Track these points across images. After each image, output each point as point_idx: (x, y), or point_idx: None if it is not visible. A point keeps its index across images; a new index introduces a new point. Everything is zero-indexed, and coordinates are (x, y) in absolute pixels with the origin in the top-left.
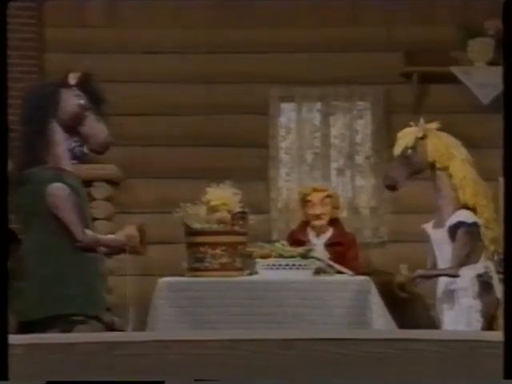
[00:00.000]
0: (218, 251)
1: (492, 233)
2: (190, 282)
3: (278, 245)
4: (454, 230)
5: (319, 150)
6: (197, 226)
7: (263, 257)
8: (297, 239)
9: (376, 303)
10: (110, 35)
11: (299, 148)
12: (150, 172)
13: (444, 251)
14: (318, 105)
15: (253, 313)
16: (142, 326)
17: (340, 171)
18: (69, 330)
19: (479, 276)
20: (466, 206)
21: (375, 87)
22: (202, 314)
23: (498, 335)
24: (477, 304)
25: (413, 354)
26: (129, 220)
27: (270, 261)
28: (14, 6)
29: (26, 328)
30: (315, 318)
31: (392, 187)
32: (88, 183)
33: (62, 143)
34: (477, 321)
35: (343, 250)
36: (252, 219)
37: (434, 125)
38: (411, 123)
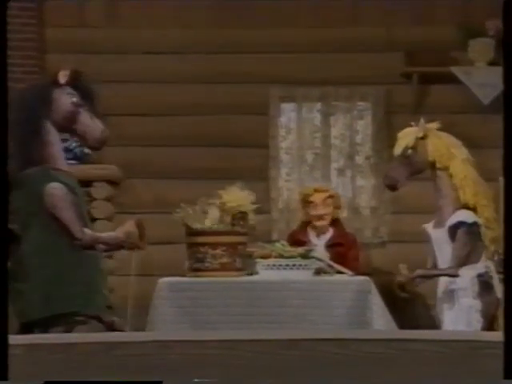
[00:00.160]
0: (218, 251)
1: (492, 233)
2: (191, 282)
3: (278, 245)
4: (454, 230)
5: (319, 150)
6: (197, 226)
7: (263, 257)
8: (297, 239)
9: (376, 303)
10: (111, 35)
11: (299, 148)
12: (150, 172)
13: (444, 251)
14: (319, 105)
15: (253, 313)
16: (142, 326)
17: (340, 171)
18: (69, 330)
19: (479, 276)
20: (466, 206)
21: (376, 87)
22: (202, 314)
23: (498, 335)
24: (477, 304)
25: (413, 354)
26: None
27: (271, 261)
28: (14, 6)
29: (27, 328)
30: (315, 318)
31: (392, 187)
32: (88, 183)
33: (56, 143)
34: (477, 321)
35: (344, 251)
36: (252, 219)
37: (434, 125)
38: (412, 123)
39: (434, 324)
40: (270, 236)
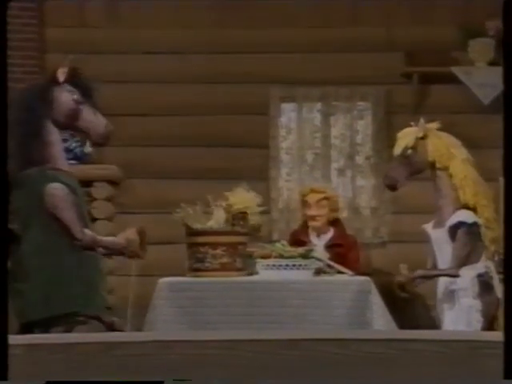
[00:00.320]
0: (218, 251)
1: (492, 233)
2: (191, 282)
3: (278, 245)
4: (454, 230)
5: (320, 150)
6: (197, 226)
7: (264, 257)
8: (298, 239)
9: (376, 303)
10: (111, 35)
11: (300, 148)
12: (150, 172)
13: (444, 251)
14: (319, 105)
15: (253, 313)
16: (142, 326)
17: (340, 171)
18: (69, 330)
19: (479, 276)
20: (466, 206)
21: (376, 87)
22: (202, 314)
23: (498, 335)
24: (477, 304)
25: (413, 354)
26: (130, 220)
27: (271, 261)
28: (14, 6)
29: (27, 329)
30: (316, 318)
31: (392, 187)
32: (88, 183)
33: (57, 143)
34: (477, 321)
35: (343, 252)
36: (258, 221)
37: (434, 125)
38: (412, 123)
39: (434, 324)
40: (270, 236)
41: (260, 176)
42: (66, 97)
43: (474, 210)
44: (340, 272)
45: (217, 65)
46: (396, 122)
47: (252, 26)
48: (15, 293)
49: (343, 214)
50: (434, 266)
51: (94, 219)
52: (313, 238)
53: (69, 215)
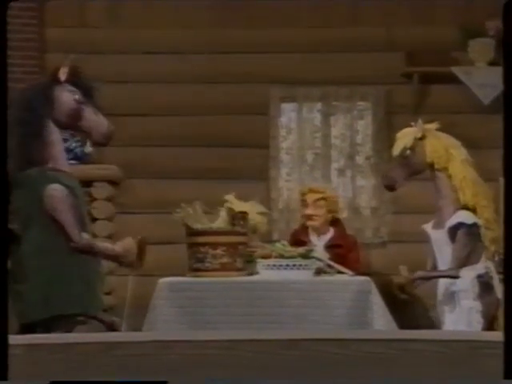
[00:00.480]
0: (218, 251)
1: (492, 233)
2: (191, 282)
3: (278, 245)
4: (453, 231)
5: (320, 150)
6: (197, 226)
7: (264, 257)
8: (298, 239)
9: (377, 303)
10: (111, 35)
11: (300, 148)
12: (150, 172)
13: (444, 252)
14: (319, 105)
15: (253, 313)
16: (141, 326)
17: (340, 171)
18: (70, 330)
19: (479, 277)
20: (465, 207)
21: (376, 87)
22: (202, 314)
23: (498, 335)
24: (477, 305)
25: (413, 354)
26: (130, 220)
27: (271, 261)
28: (15, 6)
29: (27, 330)
30: (316, 318)
31: (390, 187)
32: (89, 183)
33: (58, 143)
34: (477, 322)
35: (343, 252)
36: (253, 219)
37: (433, 125)
38: (412, 123)
39: (435, 325)
40: (270, 236)
41: (260, 176)
42: (67, 96)
43: (473, 210)
44: (340, 272)
45: (217, 65)
46: (396, 122)
47: (252, 25)
48: (15, 293)
49: (343, 215)
50: (434, 267)
51: (94, 219)
52: (313, 238)
53: (67, 217)
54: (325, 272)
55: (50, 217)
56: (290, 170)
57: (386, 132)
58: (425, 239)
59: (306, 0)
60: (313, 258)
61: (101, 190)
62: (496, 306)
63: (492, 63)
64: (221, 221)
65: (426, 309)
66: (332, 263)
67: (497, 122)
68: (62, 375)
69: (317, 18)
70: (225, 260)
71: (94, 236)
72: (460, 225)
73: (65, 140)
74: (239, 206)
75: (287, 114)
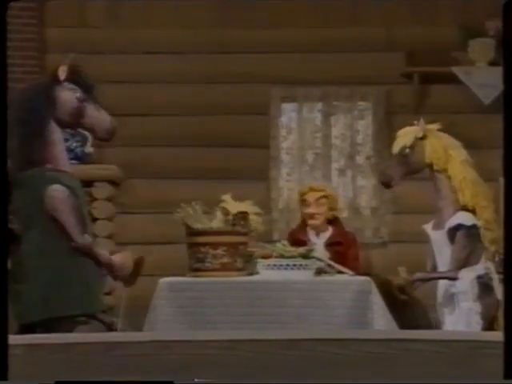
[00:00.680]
0: (219, 251)
1: (492, 234)
2: (191, 282)
3: (278, 245)
4: (453, 233)
5: (320, 150)
6: (197, 226)
7: (264, 257)
8: (297, 238)
9: (377, 303)
10: (111, 35)
11: (300, 148)
12: (150, 172)
13: (444, 253)
14: (319, 105)
15: (253, 313)
16: (140, 326)
17: (341, 171)
18: (70, 330)
19: (479, 277)
20: (465, 208)
21: (376, 87)
22: (202, 314)
23: (498, 335)
24: (476, 306)
25: (413, 354)
26: (130, 220)
27: (271, 261)
28: (15, 6)
29: (26, 330)
30: (316, 318)
31: (386, 184)
32: (89, 183)
33: (59, 143)
34: (476, 323)
35: (343, 250)
36: (253, 219)
37: (434, 126)
38: (414, 122)
39: (435, 325)
40: (270, 236)
41: (260, 176)
42: (68, 95)
43: (473, 211)
44: (340, 272)
45: (217, 65)
46: (396, 122)
47: (252, 25)
48: (14, 294)
49: (344, 214)
50: (434, 268)
51: (95, 219)
52: (312, 236)
53: (68, 218)
54: (325, 272)
55: (50, 217)
56: (290, 169)
57: (386, 132)
58: (425, 239)
59: (306, 0)
60: (313, 257)
61: (101, 190)
62: (496, 307)
63: (492, 63)
64: (216, 221)
65: (425, 309)
66: (332, 263)
67: (497, 122)
68: (63, 375)
69: (317, 17)
70: (225, 260)
71: (95, 236)
72: (459, 226)
73: (65, 140)
74: (234, 206)
75: (287, 114)
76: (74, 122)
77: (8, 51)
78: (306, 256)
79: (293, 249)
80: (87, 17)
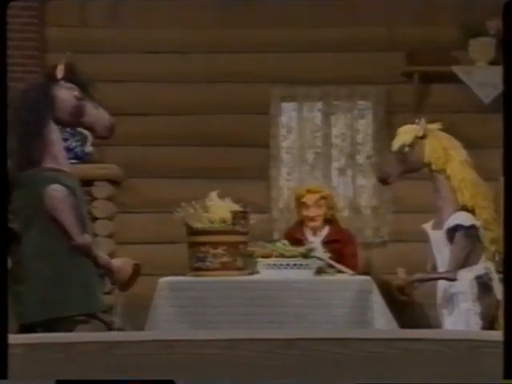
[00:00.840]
0: (219, 251)
1: (492, 234)
2: (191, 281)
3: (279, 244)
4: (451, 233)
5: (320, 149)
6: (198, 225)
7: (264, 256)
8: (294, 237)
9: (377, 303)
10: (112, 35)
11: (300, 147)
12: (150, 171)
13: (443, 253)
14: (319, 104)
15: (254, 312)
16: (142, 326)
17: (341, 171)
18: (70, 330)
19: (478, 278)
20: (464, 208)
21: (376, 87)
22: (202, 313)
23: (497, 335)
24: (476, 307)
25: (413, 353)
26: (130, 219)
27: (271, 260)
28: (15, 5)
29: (26, 331)
30: (316, 318)
31: (384, 181)
32: (89, 182)
33: (58, 143)
34: (476, 323)
35: (341, 247)
36: (253, 218)
37: (435, 125)
38: (416, 120)
39: (434, 325)
40: (270, 235)
41: (260, 175)
42: (66, 94)
43: (472, 211)
44: (341, 271)
45: (217, 64)
46: (396, 122)
47: (252, 25)
48: (14, 294)
49: (344, 214)
50: (434, 267)
51: (95, 218)
52: (309, 235)
53: (67, 218)
54: (325, 271)
55: (50, 217)
56: (290, 169)
57: (386, 131)
58: (425, 239)
59: (306, 0)
60: (313, 257)
61: (101, 190)
62: (495, 307)
63: (492, 62)
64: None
65: (425, 309)
66: (333, 263)
67: (497, 122)
68: (62, 375)
69: (317, 17)
70: (225, 259)
71: (95, 235)
72: (458, 227)
73: (65, 139)
74: (216, 204)
75: (288, 114)
76: (73, 121)
77: (8, 50)
78: (306, 255)
79: (293, 248)
80: (88, 16)
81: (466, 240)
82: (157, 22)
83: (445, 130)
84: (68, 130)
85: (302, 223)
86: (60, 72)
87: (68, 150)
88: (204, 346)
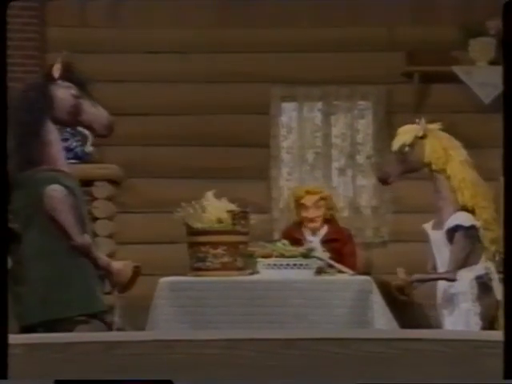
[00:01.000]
0: (219, 251)
1: (492, 234)
2: (192, 281)
3: (279, 244)
4: (451, 233)
5: (320, 149)
6: (198, 225)
7: (265, 256)
8: (292, 237)
9: (377, 303)
10: (112, 35)
11: (300, 147)
12: (150, 171)
13: (443, 253)
14: (320, 104)
15: (254, 312)
16: (142, 326)
17: (341, 171)
18: (71, 330)
19: (478, 278)
20: (465, 208)
21: (376, 87)
22: (203, 313)
23: (498, 335)
24: (476, 307)
25: (414, 353)
26: (130, 219)
27: (272, 260)
28: (16, 5)
29: (26, 331)
30: (317, 318)
31: (384, 181)
32: (89, 183)
33: (57, 143)
34: (475, 324)
35: (339, 246)
36: (253, 219)
37: (435, 126)
38: (416, 120)
39: (435, 324)
40: (271, 235)
41: (261, 175)
42: (64, 93)
43: (472, 211)
44: (341, 271)
45: (217, 64)
46: (397, 122)
47: (252, 25)
48: (15, 295)
49: (344, 214)
50: (434, 267)
51: (95, 218)
52: (307, 235)
53: (67, 218)
54: (325, 271)
55: (49, 217)
56: (290, 169)
57: (386, 131)
58: (425, 239)
59: (306, 0)
60: (314, 257)
61: (101, 190)
62: (495, 308)
63: (493, 62)
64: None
65: (425, 309)
66: (333, 263)
67: (498, 122)
68: (63, 374)
69: (317, 17)
70: (225, 259)
71: (95, 235)
72: (458, 227)
73: (65, 139)
74: (212, 203)
75: (288, 114)
76: (72, 120)
77: (8, 50)
78: (306, 255)
79: (293, 248)
80: (88, 16)
81: (466, 240)
82: (157, 22)
83: (445, 130)
84: (68, 129)
85: (300, 222)
86: (57, 71)
87: (68, 150)
88: (204, 346)
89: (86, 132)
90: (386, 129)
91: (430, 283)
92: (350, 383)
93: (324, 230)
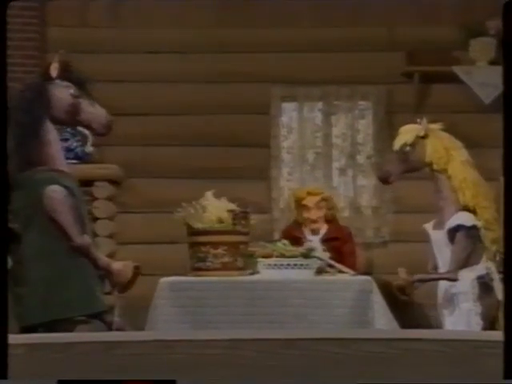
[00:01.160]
0: (219, 251)
1: (493, 234)
2: (192, 281)
3: (279, 244)
4: (452, 233)
5: (321, 149)
6: (198, 225)
7: (265, 256)
8: (292, 236)
9: (378, 303)
10: (112, 35)
11: (301, 147)
12: (151, 171)
13: (444, 253)
14: (320, 104)
15: (254, 312)
16: (142, 326)
17: (342, 171)
18: (71, 330)
19: (479, 278)
20: (466, 208)
21: (377, 87)
22: (203, 313)
23: (498, 335)
24: (477, 307)
25: (414, 353)
26: (130, 219)
27: (272, 260)
28: (16, 5)
29: (26, 332)
30: (317, 318)
31: (384, 180)
32: (89, 183)
33: (56, 143)
34: (476, 324)
35: (339, 245)
36: (254, 219)
37: (437, 125)
38: (417, 120)
39: (435, 324)
40: (271, 235)
41: (261, 175)
42: (62, 92)
43: (473, 211)
44: (341, 271)
45: (217, 64)
46: (397, 122)
47: (252, 25)
48: (15, 296)
49: (345, 214)
50: (435, 267)
51: (96, 219)
52: (307, 234)
53: (66, 218)
54: (326, 271)
55: (49, 218)
56: (291, 169)
57: (386, 131)
58: (426, 239)
59: (306, 0)
60: (314, 257)
61: (102, 190)
62: (496, 308)
63: (493, 62)
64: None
65: (426, 309)
66: (333, 263)
67: (498, 122)
68: (63, 374)
69: (317, 17)
70: (226, 259)
71: (96, 235)
72: (459, 227)
73: (65, 139)
74: (212, 203)
75: (288, 114)
76: (70, 119)
77: (8, 50)
78: (307, 255)
79: (294, 248)
80: (88, 16)
81: (467, 240)
82: (157, 21)
83: (445, 130)
84: (69, 130)
85: (299, 221)
86: (54, 70)
87: (68, 150)
88: (204, 346)
89: (86, 132)
90: (386, 129)
91: (430, 283)
92: (350, 383)
93: (324, 228)
